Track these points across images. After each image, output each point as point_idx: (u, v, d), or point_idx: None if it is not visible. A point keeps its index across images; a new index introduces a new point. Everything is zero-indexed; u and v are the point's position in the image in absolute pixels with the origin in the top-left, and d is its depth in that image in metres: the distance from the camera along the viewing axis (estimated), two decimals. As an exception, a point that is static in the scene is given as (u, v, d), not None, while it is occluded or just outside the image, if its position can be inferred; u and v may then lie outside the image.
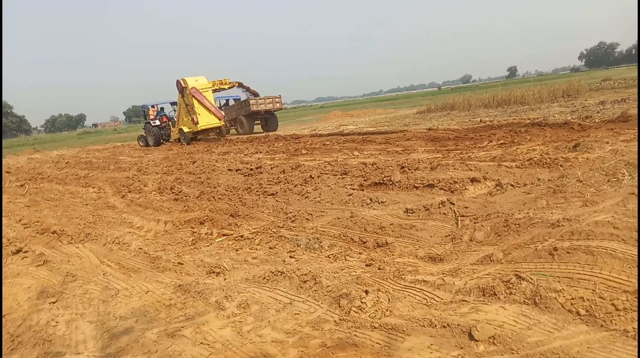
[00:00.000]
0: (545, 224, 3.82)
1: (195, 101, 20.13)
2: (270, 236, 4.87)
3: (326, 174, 7.59)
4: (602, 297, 2.56)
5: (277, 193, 6.73)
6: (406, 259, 3.81)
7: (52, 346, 3.01)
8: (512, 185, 5.39)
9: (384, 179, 6.51)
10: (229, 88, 22.40)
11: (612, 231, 3.30)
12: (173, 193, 7.94)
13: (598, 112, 12.37)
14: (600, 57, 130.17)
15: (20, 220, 6.87)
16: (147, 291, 3.73)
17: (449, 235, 4.22)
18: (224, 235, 5.16)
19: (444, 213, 4.73)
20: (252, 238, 4.90)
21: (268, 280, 3.57)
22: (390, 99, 71.92)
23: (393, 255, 3.95)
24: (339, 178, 7.19)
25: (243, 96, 24.41)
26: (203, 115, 20.38)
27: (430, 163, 7.25)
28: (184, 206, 6.71)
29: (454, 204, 4.86)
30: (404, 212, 5.01)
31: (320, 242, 4.40)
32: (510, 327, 2.46)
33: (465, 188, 5.58)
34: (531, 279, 2.80)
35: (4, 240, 5.67)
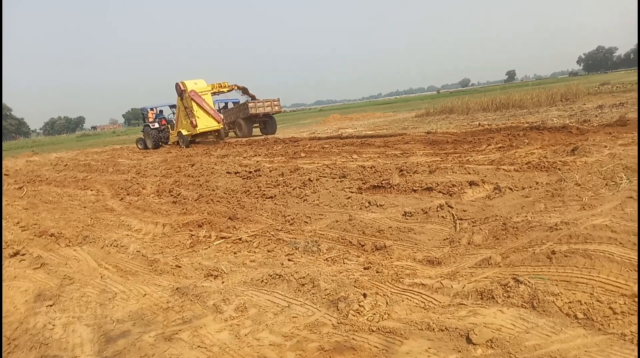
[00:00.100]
0: (544, 227, 3.82)
1: (194, 104, 20.16)
2: (268, 239, 4.86)
3: (325, 177, 7.59)
4: (599, 301, 2.56)
5: (275, 195, 6.73)
6: (404, 262, 3.81)
7: (48, 349, 2.99)
8: (510, 189, 5.39)
9: (383, 182, 6.52)
10: (228, 91, 22.45)
11: (610, 234, 3.30)
12: (171, 195, 7.93)
13: (596, 116, 12.41)
14: (598, 62, 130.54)
15: (18, 223, 6.86)
16: (145, 295, 3.72)
17: (447, 238, 4.22)
18: (222, 237, 5.15)
19: (443, 216, 4.73)
20: (251, 241, 4.90)
21: (266, 283, 3.56)
22: (389, 103, 72.04)
23: (391, 258, 3.94)
24: (337, 181, 7.19)
25: (242, 99, 24.46)
26: (202, 118, 20.41)
27: (429, 167, 7.26)
28: (183, 209, 6.70)
29: (452, 207, 4.86)
30: (403, 215, 5.01)
31: (319, 245, 4.40)
32: (508, 331, 2.46)
33: (464, 192, 5.58)
34: (529, 282, 2.80)
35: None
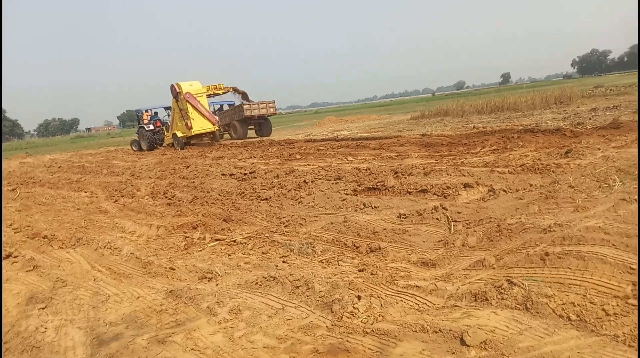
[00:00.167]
0: (537, 229, 3.83)
1: (189, 106, 20.13)
2: (263, 241, 4.85)
3: (320, 179, 7.59)
4: (592, 302, 2.57)
5: (270, 197, 6.72)
6: (399, 264, 3.81)
7: (40, 352, 2.97)
8: (504, 191, 5.41)
9: (378, 184, 6.52)
10: (224, 93, 22.44)
11: (603, 236, 3.32)
12: (166, 197, 7.90)
13: (590, 118, 12.48)
14: (592, 65, 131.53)
15: (10, 225, 6.80)
16: (138, 297, 3.70)
17: (441, 240, 4.22)
18: (216, 240, 5.13)
19: (437, 218, 4.74)
20: (245, 243, 4.89)
21: (260, 285, 3.55)
22: (384, 105, 72.23)
23: (386, 260, 3.94)
24: (332, 183, 7.19)
25: (237, 101, 24.45)
26: (197, 120, 20.38)
27: (424, 169, 7.27)
28: (177, 211, 6.68)
29: (446, 209, 4.87)
30: (397, 217, 5.02)
31: (313, 247, 4.39)
32: (501, 332, 2.46)
33: (458, 194, 5.60)
34: (523, 284, 2.81)
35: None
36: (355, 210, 5.54)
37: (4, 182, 13.20)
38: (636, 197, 4.20)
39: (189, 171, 10.95)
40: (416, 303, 3.04)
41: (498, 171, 6.61)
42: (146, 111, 24.36)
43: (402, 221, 4.90)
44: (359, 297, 3.06)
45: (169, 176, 10.67)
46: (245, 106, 22.75)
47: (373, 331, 2.68)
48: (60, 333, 3.21)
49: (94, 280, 4.26)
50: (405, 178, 6.82)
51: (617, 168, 5.62)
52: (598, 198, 4.56)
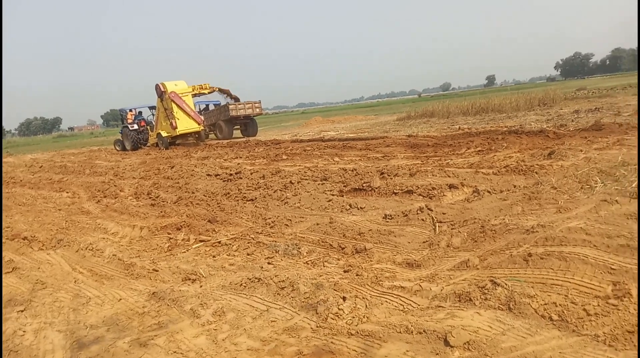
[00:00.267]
0: (521, 230, 3.87)
1: (174, 106, 19.94)
2: (248, 243, 4.82)
3: (306, 179, 7.57)
4: (574, 302, 2.60)
5: (256, 198, 6.68)
6: (384, 265, 3.81)
7: (18, 356, 2.90)
8: (488, 192, 5.46)
9: (364, 185, 6.53)
10: (209, 93, 22.28)
11: (585, 237, 3.36)
12: (150, 198, 7.81)
13: (572, 121, 12.69)
14: (575, 67, 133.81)
15: (-11, 226, 6.65)
16: (120, 299, 3.64)
17: (426, 241, 4.24)
18: (201, 241, 5.08)
19: (422, 219, 4.76)
20: (230, 244, 4.85)
21: (245, 286, 3.52)
22: (371, 106, 72.47)
23: (371, 261, 3.94)
24: (319, 184, 7.18)
25: (223, 101, 24.30)
26: (182, 119, 20.20)
27: (410, 170, 7.31)
28: (161, 212, 6.60)
29: (432, 210, 4.89)
30: (383, 218, 5.02)
31: (299, 248, 4.37)
32: (485, 333, 2.47)
33: (443, 194, 5.63)
34: (506, 285, 2.83)
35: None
36: (341, 211, 5.53)
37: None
38: (617, 198, 4.27)
39: (173, 172, 10.84)
40: (401, 304, 3.04)
41: (482, 172, 6.67)
42: (130, 110, 24.06)
43: (387, 222, 4.91)
44: (344, 298, 3.06)
45: (153, 177, 10.55)
46: (230, 106, 22.62)
47: (358, 332, 2.67)
48: (40, 337, 3.14)
49: (75, 282, 4.18)
50: (391, 178, 6.84)
51: (598, 170, 5.71)
52: (580, 199, 4.62)
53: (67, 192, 9.81)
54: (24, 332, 3.23)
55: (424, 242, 4.24)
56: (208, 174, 9.67)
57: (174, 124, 19.90)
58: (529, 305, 2.65)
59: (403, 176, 6.93)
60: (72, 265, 4.73)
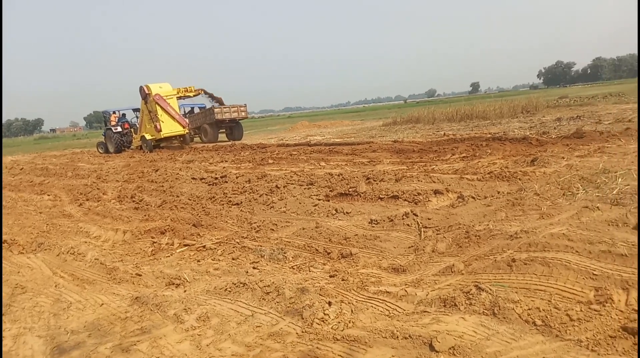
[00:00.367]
0: (504, 236, 3.91)
1: (158, 108, 19.74)
2: (233, 247, 4.78)
3: (292, 184, 7.56)
4: (557, 308, 2.63)
5: (242, 202, 6.64)
6: (370, 270, 3.82)
7: (-5, 363, 2.82)
8: (473, 197, 5.51)
9: (350, 190, 6.54)
10: (194, 96, 22.14)
11: (567, 243, 3.41)
12: (133, 201, 7.70)
13: (555, 128, 12.92)
14: (557, 76, 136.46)
15: (-34, 229, 6.48)
16: (102, 304, 3.57)
17: (412, 246, 4.26)
18: (185, 245, 5.03)
19: (408, 224, 4.78)
20: (215, 248, 4.80)
21: (230, 291, 3.49)
22: (357, 111, 72.81)
23: (357, 265, 3.94)
24: (305, 188, 7.17)
25: (209, 104, 24.16)
26: (166, 122, 20.01)
27: (395, 175, 7.35)
28: (145, 216, 6.51)
29: (417, 215, 4.92)
30: (369, 223, 5.03)
31: (285, 253, 4.35)
32: (469, 338, 2.49)
33: (429, 200, 5.67)
34: (490, 290, 2.85)
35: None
36: (327, 216, 5.53)
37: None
38: (598, 205, 4.35)
39: (157, 175, 10.71)
40: (386, 309, 3.05)
41: (467, 178, 6.74)
42: (114, 112, 23.77)
43: (373, 227, 4.92)
44: (329, 303, 3.05)
45: (136, 180, 10.42)
46: (216, 110, 22.51)
47: (343, 337, 2.66)
48: (19, 342, 3.07)
49: (56, 286, 4.10)
50: (377, 183, 6.87)
51: (580, 177, 5.81)
52: (562, 205, 4.70)
53: (49, 195, 9.64)
54: (3, 337, 3.14)
55: (409, 247, 4.26)
56: (193, 178, 9.59)
57: (158, 126, 19.70)
58: (513, 310, 2.67)
59: (389, 182, 6.96)
60: (53, 269, 4.63)
